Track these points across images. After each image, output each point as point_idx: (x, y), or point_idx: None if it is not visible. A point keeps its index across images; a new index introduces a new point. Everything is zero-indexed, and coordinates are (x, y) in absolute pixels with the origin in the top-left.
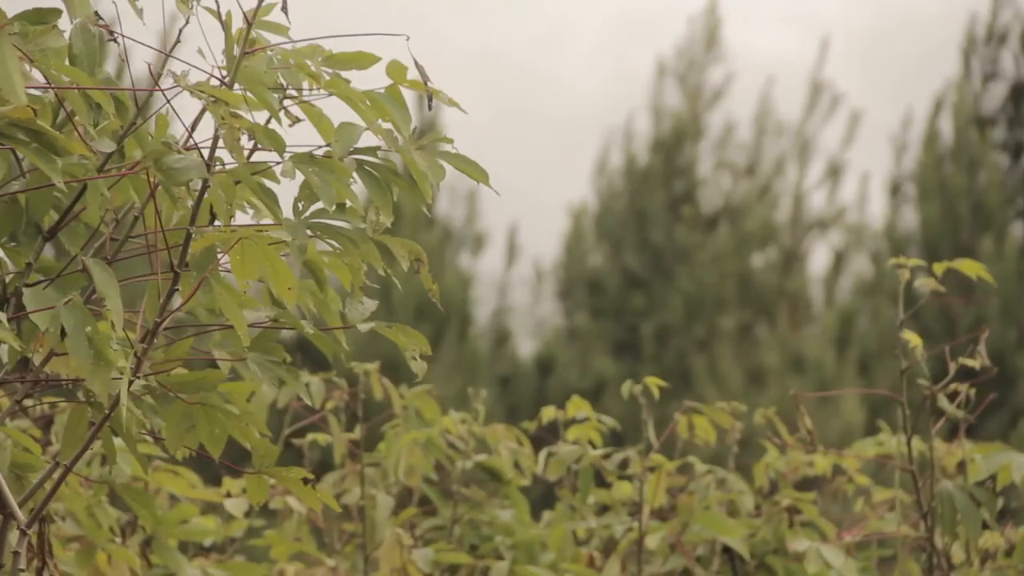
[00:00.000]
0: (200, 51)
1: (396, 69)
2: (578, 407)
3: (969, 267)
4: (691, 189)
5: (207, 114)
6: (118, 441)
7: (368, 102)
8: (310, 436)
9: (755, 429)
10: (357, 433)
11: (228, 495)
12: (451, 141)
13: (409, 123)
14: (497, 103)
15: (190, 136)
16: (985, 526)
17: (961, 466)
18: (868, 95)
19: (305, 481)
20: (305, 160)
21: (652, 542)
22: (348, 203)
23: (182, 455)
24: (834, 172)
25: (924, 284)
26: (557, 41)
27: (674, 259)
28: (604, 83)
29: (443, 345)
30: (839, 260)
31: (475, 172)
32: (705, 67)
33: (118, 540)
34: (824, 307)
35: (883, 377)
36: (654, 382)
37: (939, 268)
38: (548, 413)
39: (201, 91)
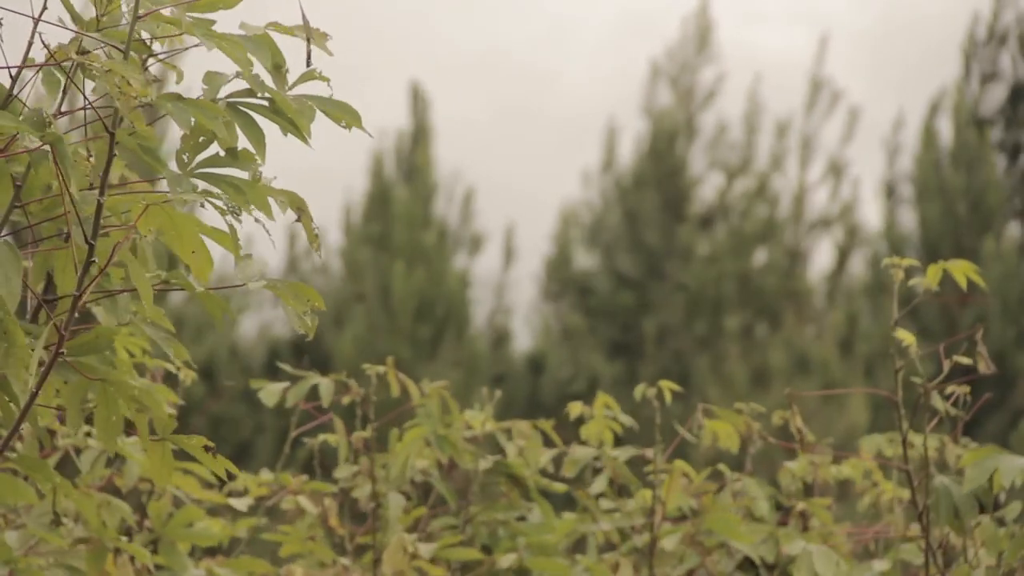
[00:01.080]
0: (61, 19)
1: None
2: (604, 404)
3: (961, 269)
4: (686, 188)
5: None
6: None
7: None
8: (321, 437)
9: (769, 431)
10: (368, 432)
11: (233, 494)
12: (327, 80)
13: (281, 66)
14: (498, 103)
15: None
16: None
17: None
18: (875, 94)
19: (206, 449)
20: (170, 98)
21: (669, 544)
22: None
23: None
24: (836, 170)
25: (919, 284)
26: (558, 41)
27: (669, 258)
28: (605, 82)
29: (442, 345)
30: (842, 259)
31: (346, 115)
32: (698, 67)
33: (125, 540)
34: (828, 306)
35: (888, 376)
36: (667, 385)
37: (933, 270)
38: (575, 409)
39: (92, 64)
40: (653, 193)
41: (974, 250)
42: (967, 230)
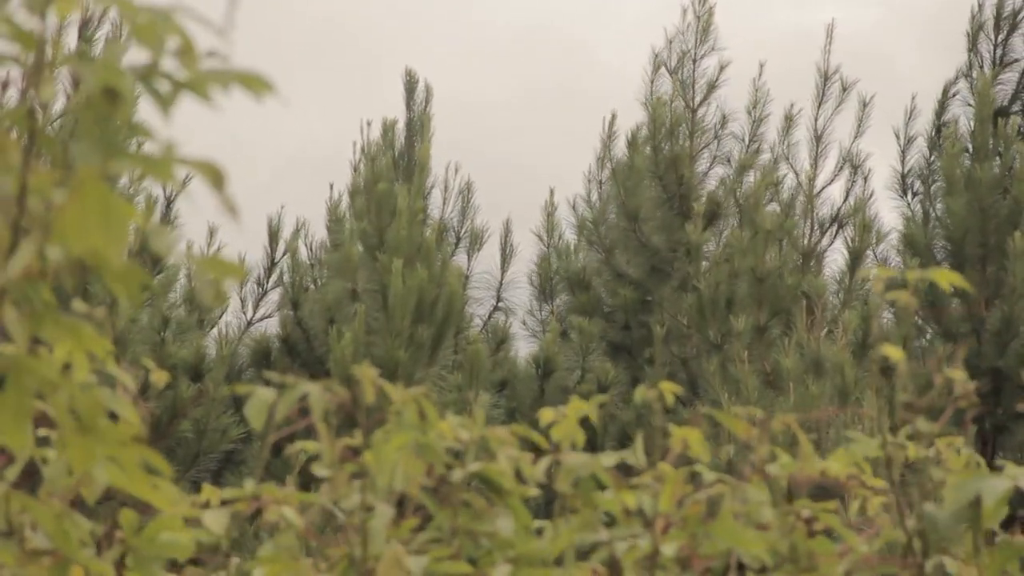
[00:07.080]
0: None
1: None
2: (578, 409)
3: (943, 277)
4: (696, 183)
5: None
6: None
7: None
8: (298, 444)
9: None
10: (357, 439)
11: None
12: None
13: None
14: (537, 82)
15: None
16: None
17: None
18: (926, 76)
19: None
20: (74, 59)
21: (668, 550)
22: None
23: None
24: (853, 164)
25: (895, 297)
26: (599, 19)
27: (684, 257)
28: (647, 62)
29: (442, 347)
30: (855, 258)
31: (253, 83)
32: (701, 56)
33: (90, 553)
34: (843, 307)
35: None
36: (668, 388)
37: (912, 276)
38: (547, 416)
39: None
40: (658, 186)
41: (1001, 246)
42: (993, 225)
